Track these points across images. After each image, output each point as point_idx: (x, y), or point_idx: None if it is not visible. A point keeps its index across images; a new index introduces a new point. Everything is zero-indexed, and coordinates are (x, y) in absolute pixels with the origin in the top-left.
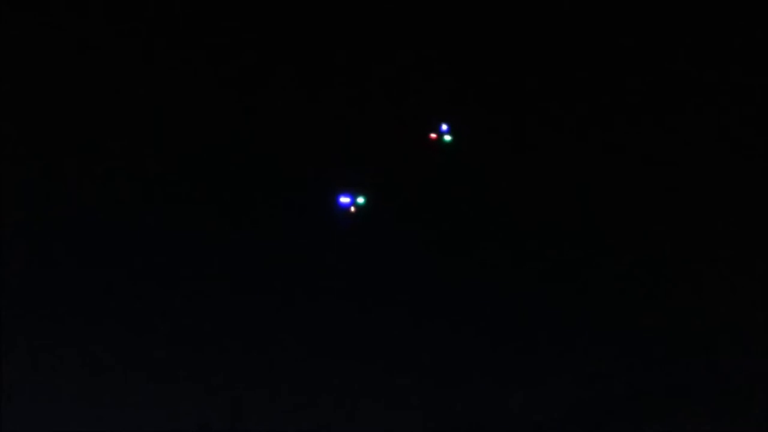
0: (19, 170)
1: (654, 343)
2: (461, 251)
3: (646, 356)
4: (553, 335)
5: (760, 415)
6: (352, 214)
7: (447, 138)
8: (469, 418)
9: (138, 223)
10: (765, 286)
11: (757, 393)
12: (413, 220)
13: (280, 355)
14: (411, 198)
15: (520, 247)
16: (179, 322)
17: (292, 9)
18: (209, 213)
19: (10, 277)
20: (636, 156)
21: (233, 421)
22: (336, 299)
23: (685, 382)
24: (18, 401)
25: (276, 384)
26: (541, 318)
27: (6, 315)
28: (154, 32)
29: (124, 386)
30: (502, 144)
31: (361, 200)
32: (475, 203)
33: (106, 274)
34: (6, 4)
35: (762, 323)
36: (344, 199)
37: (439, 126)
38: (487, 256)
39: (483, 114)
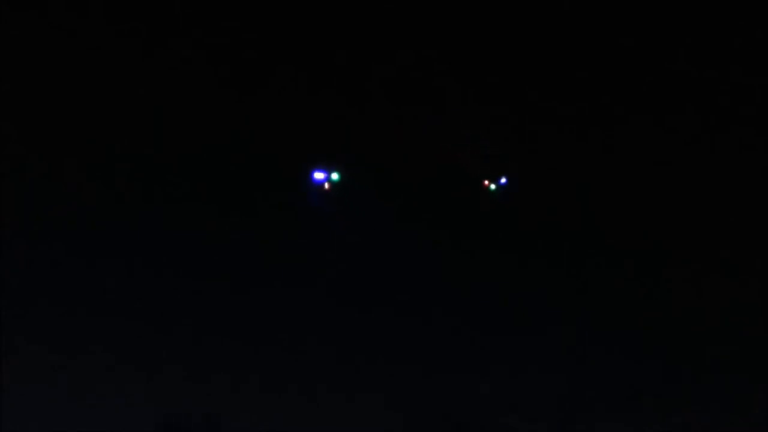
0: (19, 170)
1: (654, 343)
2: (454, 244)
3: (645, 357)
4: (553, 335)
5: (760, 415)
6: (326, 190)
7: (493, 187)
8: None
9: (127, 211)
10: (765, 286)
11: (757, 393)
12: (412, 215)
13: (265, 342)
14: (399, 185)
15: (520, 243)
16: (166, 311)
17: (291, 9)
18: (207, 209)
19: (10, 277)
20: (629, 156)
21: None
22: (318, 284)
23: (685, 382)
24: (17, 399)
25: (261, 371)
26: (539, 317)
27: (6, 315)
28: (154, 32)
29: (120, 378)
30: (498, 138)
31: (335, 176)
32: (470, 199)
33: (96, 265)
34: (6, 4)
35: (762, 323)
36: (319, 175)
37: (499, 179)
38: (490, 256)
39: (478, 109)
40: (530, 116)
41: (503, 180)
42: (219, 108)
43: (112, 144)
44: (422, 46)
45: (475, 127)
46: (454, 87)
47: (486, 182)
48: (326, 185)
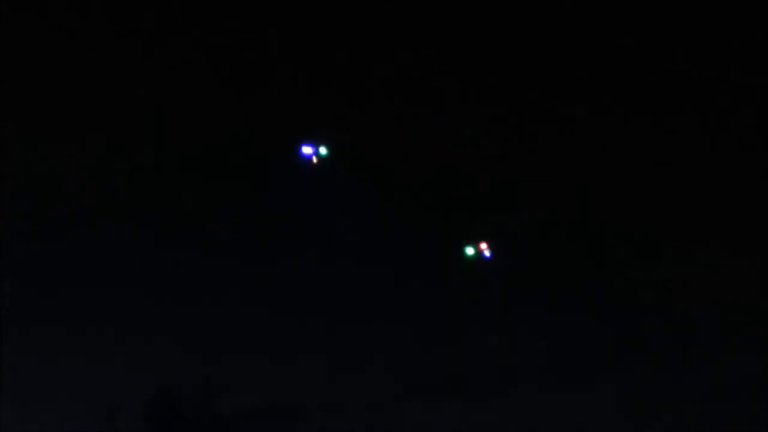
0: (19, 170)
1: (653, 342)
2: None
3: (645, 355)
4: (553, 334)
5: (760, 415)
6: (314, 164)
7: (469, 252)
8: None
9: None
10: (765, 285)
11: (757, 393)
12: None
13: (260, 312)
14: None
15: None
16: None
17: (291, 9)
18: (202, 186)
19: (11, 276)
20: (629, 156)
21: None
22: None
23: (684, 380)
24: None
25: (256, 340)
26: (539, 314)
27: (6, 315)
28: (154, 32)
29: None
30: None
31: (323, 150)
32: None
33: (92, 237)
34: (6, 4)
35: (762, 321)
36: (306, 149)
37: (483, 252)
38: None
39: (476, 107)
40: (530, 116)
41: (487, 253)
42: (219, 107)
43: (112, 144)
44: (422, 46)
45: (475, 126)
46: (454, 87)
47: (484, 245)
48: (314, 159)
